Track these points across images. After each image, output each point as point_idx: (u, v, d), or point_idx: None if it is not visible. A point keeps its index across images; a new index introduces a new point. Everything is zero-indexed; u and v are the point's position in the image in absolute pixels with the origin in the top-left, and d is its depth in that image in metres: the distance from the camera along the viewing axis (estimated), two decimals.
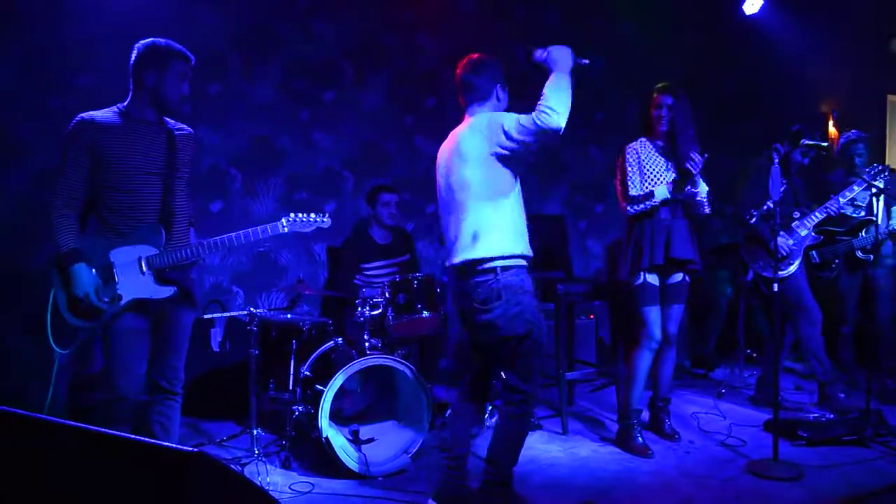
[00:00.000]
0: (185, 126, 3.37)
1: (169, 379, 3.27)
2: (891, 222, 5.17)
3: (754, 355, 6.54)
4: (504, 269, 3.15)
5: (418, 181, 6.23)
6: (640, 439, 4.27)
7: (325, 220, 3.43)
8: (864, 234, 5.26)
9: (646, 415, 4.55)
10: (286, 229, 3.30)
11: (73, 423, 1.56)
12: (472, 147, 3.21)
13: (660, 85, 4.35)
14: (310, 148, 5.85)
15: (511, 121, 3.11)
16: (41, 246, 4.76)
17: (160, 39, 3.17)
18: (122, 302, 3.06)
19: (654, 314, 4.26)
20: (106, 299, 3.03)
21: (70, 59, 4.82)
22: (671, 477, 3.86)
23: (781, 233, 4.83)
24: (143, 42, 3.15)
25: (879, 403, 4.40)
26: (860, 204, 5.36)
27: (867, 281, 5.45)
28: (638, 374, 4.32)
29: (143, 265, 3.10)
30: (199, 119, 5.36)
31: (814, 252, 5.35)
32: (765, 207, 4.77)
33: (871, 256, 5.29)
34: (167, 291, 3.15)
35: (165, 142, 3.21)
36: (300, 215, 3.35)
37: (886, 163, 6.63)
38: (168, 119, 3.29)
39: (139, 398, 3.15)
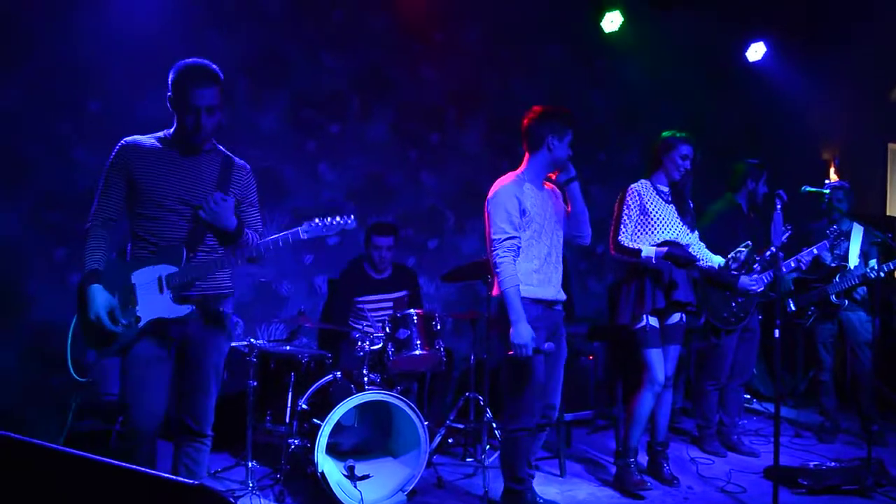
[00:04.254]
0: (240, 159, 3.26)
1: (196, 418, 3.13)
2: (867, 268, 5.18)
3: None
4: None
5: (422, 216, 6.24)
6: (637, 475, 4.25)
7: (349, 220, 3.16)
8: (837, 279, 5.29)
9: (644, 459, 4.51)
10: (306, 236, 3.09)
11: (72, 450, 1.53)
12: None
13: (681, 133, 4.34)
14: (315, 179, 5.87)
15: (494, 217, 3.65)
16: (42, 269, 4.76)
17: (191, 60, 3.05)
18: (141, 324, 2.95)
19: (657, 357, 4.24)
20: (124, 322, 2.92)
21: (78, 81, 4.86)
22: None
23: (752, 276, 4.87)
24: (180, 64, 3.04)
25: (866, 446, 4.39)
26: (839, 253, 5.38)
27: (842, 327, 5.45)
28: (639, 417, 4.29)
29: (163, 283, 2.99)
30: None
31: (790, 300, 5.38)
32: (740, 253, 4.70)
33: (846, 301, 5.30)
34: (184, 310, 3.00)
35: (216, 170, 3.12)
36: (318, 220, 3.12)
37: (888, 212, 6.69)
38: (223, 149, 3.21)
39: (155, 435, 3.02)
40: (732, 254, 4.17)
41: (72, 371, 2.94)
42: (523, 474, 3.74)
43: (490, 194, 3.71)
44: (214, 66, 3.03)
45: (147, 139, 3.07)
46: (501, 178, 3.77)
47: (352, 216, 3.17)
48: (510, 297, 3.51)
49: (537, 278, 3.66)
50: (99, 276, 2.94)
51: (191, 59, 3.02)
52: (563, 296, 3.81)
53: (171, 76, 2.98)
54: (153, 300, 2.98)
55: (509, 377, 3.65)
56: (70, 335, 2.97)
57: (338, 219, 3.14)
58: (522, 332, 3.47)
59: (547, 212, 3.76)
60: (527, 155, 3.79)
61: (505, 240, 3.58)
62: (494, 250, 3.59)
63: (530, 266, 3.65)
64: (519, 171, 3.79)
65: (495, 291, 3.69)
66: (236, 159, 3.22)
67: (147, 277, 2.99)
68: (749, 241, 4.19)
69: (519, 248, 3.61)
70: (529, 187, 3.70)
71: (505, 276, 3.54)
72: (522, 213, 3.62)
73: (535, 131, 3.72)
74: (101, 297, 2.90)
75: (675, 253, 4.11)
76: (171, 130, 3.08)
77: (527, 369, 3.58)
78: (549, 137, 3.69)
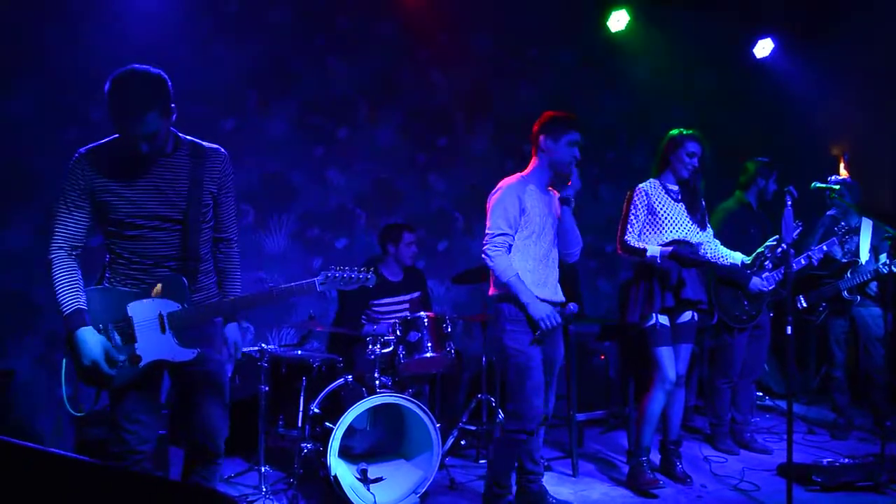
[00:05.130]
0: (210, 143, 2.91)
1: (210, 435, 2.88)
2: (878, 263, 5.15)
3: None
4: None
5: (430, 219, 6.25)
6: (649, 474, 4.24)
7: (369, 276, 2.98)
8: (849, 275, 5.26)
9: (657, 458, 4.51)
10: (321, 288, 2.89)
11: (82, 457, 1.55)
12: None
13: (688, 131, 4.33)
14: (323, 184, 5.89)
15: (492, 213, 3.71)
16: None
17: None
18: (142, 364, 2.70)
19: (667, 354, 4.24)
20: (121, 359, 2.66)
21: (87, 92, 4.88)
22: None
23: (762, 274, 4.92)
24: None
25: (880, 443, 4.37)
26: (849, 248, 5.36)
27: (855, 323, 5.43)
28: (651, 416, 4.28)
29: (164, 323, 2.73)
30: None
31: (800, 296, 5.36)
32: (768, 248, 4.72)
33: (858, 297, 5.27)
34: (189, 354, 2.76)
35: (187, 170, 2.79)
36: (339, 272, 2.92)
37: None
38: (187, 137, 2.85)
39: (149, 452, 2.80)
40: (767, 252, 4.19)
41: (68, 407, 2.66)
42: (507, 482, 3.74)
43: (493, 192, 3.77)
44: (157, 79, 2.64)
45: (103, 146, 2.73)
46: (506, 178, 3.81)
47: (371, 273, 3.00)
48: (514, 284, 3.56)
49: (532, 278, 3.66)
50: (84, 317, 2.63)
51: (124, 71, 2.62)
52: (559, 297, 3.80)
53: (105, 89, 2.60)
54: (155, 340, 2.73)
55: (510, 377, 3.64)
56: (63, 374, 2.68)
57: (358, 275, 2.96)
58: (539, 307, 3.56)
59: (547, 215, 3.78)
60: (531, 160, 3.85)
61: (497, 236, 3.63)
62: (485, 245, 3.65)
63: (525, 266, 3.66)
64: (524, 172, 3.84)
65: (492, 291, 3.74)
66: (205, 144, 2.88)
67: (146, 313, 2.72)
68: (777, 236, 4.15)
69: (511, 245, 3.65)
70: (533, 189, 3.74)
71: (502, 269, 3.59)
72: (522, 212, 3.66)
73: (536, 134, 3.78)
74: (93, 341, 2.61)
75: (680, 252, 4.10)
76: None
77: (527, 369, 3.59)
78: (543, 138, 3.74)
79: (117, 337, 2.69)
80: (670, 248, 4.10)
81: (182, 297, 2.76)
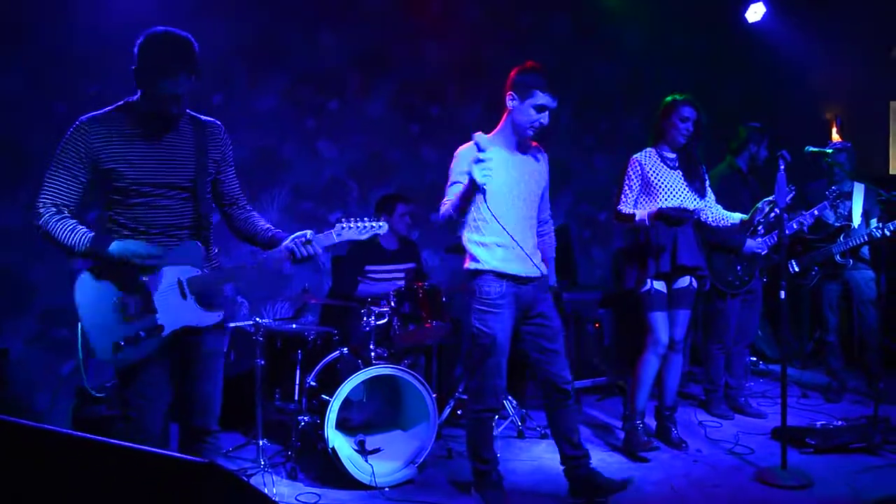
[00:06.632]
0: (206, 116, 2.92)
1: (202, 413, 2.85)
2: (869, 226, 5.17)
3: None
4: None
5: (424, 190, 6.22)
6: (644, 436, 4.28)
7: (381, 223, 2.96)
8: (842, 239, 5.28)
9: (652, 423, 4.54)
10: (339, 239, 2.89)
11: (81, 433, 1.54)
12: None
13: (681, 96, 4.26)
14: (315, 157, 5.85)
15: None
16: (45, 256, 4.77)
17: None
18: (165, 333, 2.65)
19: (660, 319, 4.26)
20: (143, 334, 2.60)
21: (76, 67, 4.83)
22: (679, 486, 3.84)
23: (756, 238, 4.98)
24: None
25: (873, 405, 4.42)
26: (842, 213, 5.36)
27: (847, 288, 5.45)
28: (644, 379, 4.31)
29: (184, 288, 2.70)
30: None
31: (793, 261, 5.37)
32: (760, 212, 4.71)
33: (851, 261, 5.30)
34: (215, 317, 2.77)
35: (191, 139, 2.78)
36: (353, 223, 2.91)
37: (891, 171, 6.66)
38: (186, 111, 2.81)
39: (157, 433, 2.74)
40: (764, 207, 4.04)
41: (91, 391, 2.69)
42: (489, 455, 3.60)
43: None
44: (189, 42, 2.64)
45: (108, 115, 2.68)
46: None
47: (382, 221, 2.98)
48: (449, 203, 3.29)
49: (502, 252, 3.45)
50: (108, 237, 2.62)
51: (159, 32, 2.61)
52: (537, 271, 3.52)
53: (136, 47, 2.60)
54: (176, 306, 2.68)
55: (474, 356, 3.51)
56: (80, 346, 2.60)
57: (370, 222, 2.94)
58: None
59: (513, 175, 3.46)
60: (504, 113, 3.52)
61: (445, 201, 3.35)
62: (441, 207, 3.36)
63: (493, 239, 3.44)
64: (492, 132, 3.50)
65: (465, 264, 3.56)
66: (203, 117, 2.88)
67: (164, 281, 2.67)
68: (771, 198, 4.08)
69: None
70: (495, 148, 3.29)
71: (442, 213, 3.32)
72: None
73: (505, 87, 3.44)
74: (133, 246, 2.61)
75: (665, 210, 4.07)
76: (135, 99, 2.71)
77: (492, 349, 3.44)
78: (509, 94, 3.42)
79: (132, 308, 2.62)
80: (656, 209, 4.10)
81: (200, 263, 2.75)
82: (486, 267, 3.46)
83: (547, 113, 3.40)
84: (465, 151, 3.40)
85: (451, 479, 3.97)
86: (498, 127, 3.53)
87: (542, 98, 3.36)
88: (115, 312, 2.62)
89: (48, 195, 2.62)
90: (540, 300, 3.60)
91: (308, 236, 2.82)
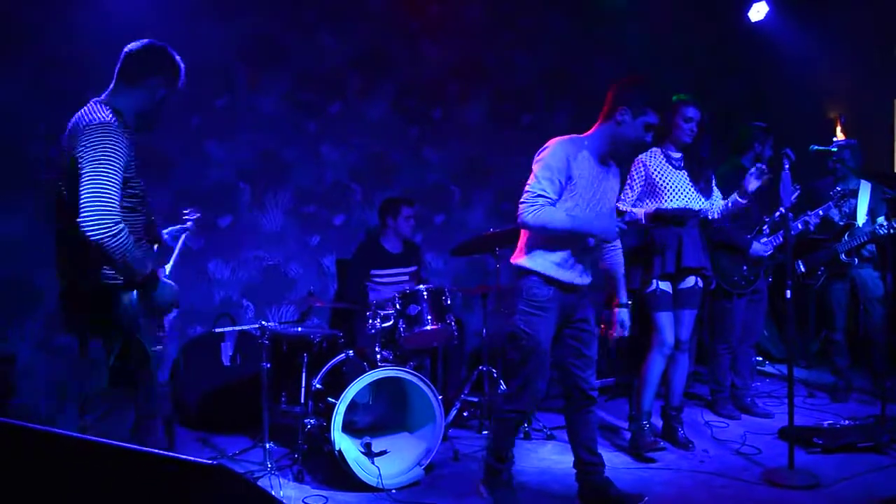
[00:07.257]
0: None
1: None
2: (875, 225, 5.15)
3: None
4: None
5: (426, 192, 6.23)
6: (650, 437, 4.27)
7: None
8: (847, 237, 5.26)
9: (658, 423, 4.53)
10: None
11: (88, 437, 1.54)
12: None
13: (684, 96, 4.27)
14: (317, 160, 5.86)
15: (537, 171, 3.29)
16: (50, 263, 4.76)
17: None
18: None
19: (666, 319, 4.25)
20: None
21: (78, 73, 4.81)
22: (686, 487, 3.83)
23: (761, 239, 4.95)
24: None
25: (880, 404, 4.41)
26: (846, 211, 5.35)
27: (854, 286, 5.44)
28: (650, 379, 4.31)
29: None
30: (206, 132, 5.38)
31: (799, 261, 5.36)
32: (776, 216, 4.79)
33: (856, 259, 5.28)
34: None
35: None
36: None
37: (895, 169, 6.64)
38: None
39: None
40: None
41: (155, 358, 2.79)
42: (507, 455, 3.57)
43: (542, 149, 3.36)
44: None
45: (122, 124, 2.74)
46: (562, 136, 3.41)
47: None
48: (558, 222, 3.22)
49: (560, 257, 3.37)
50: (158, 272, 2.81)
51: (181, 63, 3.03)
52: (584, 280, 3.48)
53: (177, 64, 3.04)
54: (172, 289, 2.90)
55: (514, 358, 3.42)
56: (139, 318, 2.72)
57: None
58: (596, 223, 3.28)
59: (595, 190, 3.38)
60: (597, 122, 3.44)
61: (538, 196, 3.22)
62: (523, 203, 3.24)
63: (558, 246, 3.36)
64: (585, 134, 3.44)
65: (515, 258, 3.46)
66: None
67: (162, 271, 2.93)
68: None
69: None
70: (586, 156, 3.33)
71: (547, 219, 3.21)
72: (569, 179, 3.26)
73: (612, 98, 3.37)
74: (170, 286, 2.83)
75: (662, 211, 4.07)
76: (129, 103, 2.84)
77: (533, 353, 3.36)
78: (621, 109, 3.32)
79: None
80: (654, 209, 4.09)
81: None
82: (539, 269, 3.37)
83: (651, 134, 3.40)
84: (560, 146, 3.31)
85: (457, 481, 3.96)
86: (590, 132, 3.44)
87: (652, 116, 3.34)
88: None
89: (114, 200, 2.55)
90: (582, 305, 3.55)
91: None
